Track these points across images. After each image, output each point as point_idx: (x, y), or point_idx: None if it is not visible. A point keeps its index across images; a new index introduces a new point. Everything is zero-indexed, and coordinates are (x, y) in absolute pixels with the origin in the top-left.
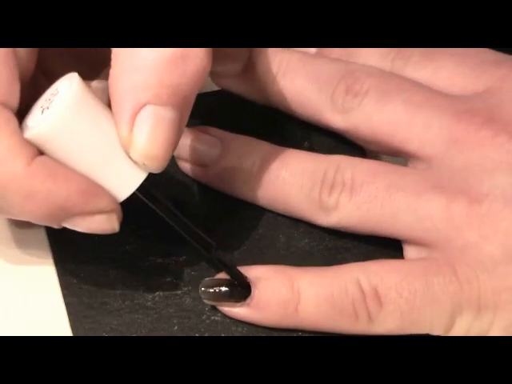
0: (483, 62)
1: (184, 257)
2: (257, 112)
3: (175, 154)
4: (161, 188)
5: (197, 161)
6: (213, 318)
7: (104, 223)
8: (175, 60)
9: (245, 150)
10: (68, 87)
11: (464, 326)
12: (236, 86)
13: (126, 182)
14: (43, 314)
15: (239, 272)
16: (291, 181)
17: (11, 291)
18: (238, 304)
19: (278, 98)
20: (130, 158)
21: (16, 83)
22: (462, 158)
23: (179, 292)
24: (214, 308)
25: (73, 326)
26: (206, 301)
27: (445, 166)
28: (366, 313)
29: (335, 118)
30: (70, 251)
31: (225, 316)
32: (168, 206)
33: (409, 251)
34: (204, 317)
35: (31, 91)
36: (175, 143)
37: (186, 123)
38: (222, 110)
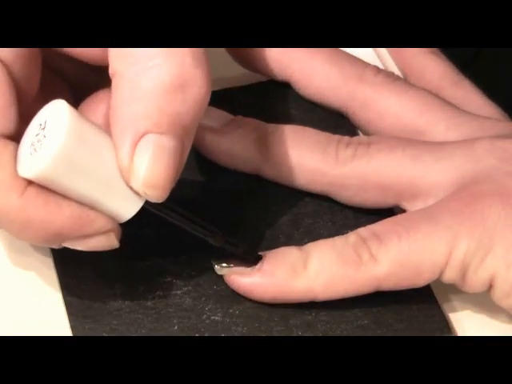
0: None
1: (184, 257)
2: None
3: None
4: None
5: (207, 127)
6: (213, 317)
7: (102, 242)
8: (174, 89)
9: (259, 121)
10: (59, 120)
11: (463, 247)
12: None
13: (126, 207)
14: (43, 314)
15: (249, 247)
16: (306, 140)
17: (11, 291)
18: (249, 269)
19: None
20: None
21: (10, 108)
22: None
23: (179, 292)
24: (214, 308)
25: (73, 326)
26: (217, 268)
27: None
28: (368, 253)
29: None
30: (70, 251)
31: (225, 316)
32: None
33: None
34: (204, 317)
35: (47, 91)
36: (177, 173)
37: (188, 152)
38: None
